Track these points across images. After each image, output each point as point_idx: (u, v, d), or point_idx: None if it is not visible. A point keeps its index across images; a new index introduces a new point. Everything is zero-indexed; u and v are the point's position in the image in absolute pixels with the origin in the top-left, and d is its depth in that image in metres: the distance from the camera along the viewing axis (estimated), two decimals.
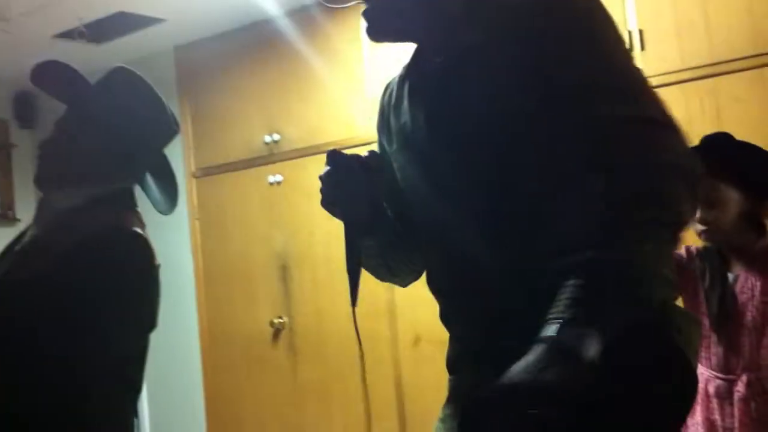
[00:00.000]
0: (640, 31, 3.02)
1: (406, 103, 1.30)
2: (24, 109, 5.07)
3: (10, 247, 1.74)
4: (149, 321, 1.66)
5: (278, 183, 4.08)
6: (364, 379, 1.43)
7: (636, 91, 1.09)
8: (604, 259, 0.96)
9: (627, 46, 1.15)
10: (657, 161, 1.03)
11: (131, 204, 1.72)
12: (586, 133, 1.06)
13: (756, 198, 2.07)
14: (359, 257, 1.31)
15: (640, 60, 3.00)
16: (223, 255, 4.37)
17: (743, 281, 2.06)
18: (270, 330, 4.10)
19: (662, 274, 1.01)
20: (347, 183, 1.26)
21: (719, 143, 2.10)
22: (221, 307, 4.39)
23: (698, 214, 2.03)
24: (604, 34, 1.12)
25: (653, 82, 2.93)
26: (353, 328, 1.31)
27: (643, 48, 3.02)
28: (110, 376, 1.58)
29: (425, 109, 1.25)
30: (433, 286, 1.34)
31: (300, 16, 3.94)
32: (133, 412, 1.68)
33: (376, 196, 1.31)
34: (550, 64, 1.09)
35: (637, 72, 1.12)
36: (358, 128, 3.70)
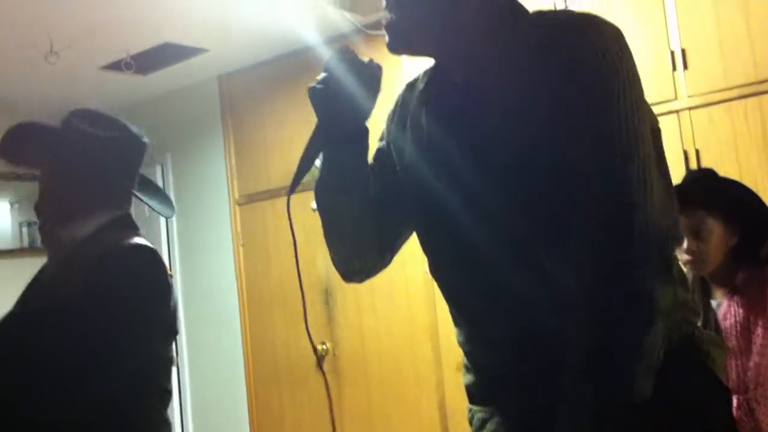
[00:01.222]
0: (683, 51, 2.99)
1: (429, 120, 1.29)
2: None
3: (32, 282, 1.85)
4: (170, 328, 1.74)
5: None
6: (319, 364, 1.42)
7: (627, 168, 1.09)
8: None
9: (644, 111, 1.15)
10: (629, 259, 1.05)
11: (134, 227, 1.81)
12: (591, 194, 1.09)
13: (738, 231, 2.18)
14: (312, 159, 1.33)
15: (683, 79, 2.98)
16: (266, 280, 4.40)
17: (726, 308, 2.17)
18: (313, 355, 4.12)
19: (677, 319, 1.06)
20: (347, 86, 1.27)
21: (705, 179, 2.26)
22: (265, 331, 4.41)
23: (685, 245, 2.15)
24: (622, 102, 1.10)
25: (697, 101, 2.94)
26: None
27: (686, 67, 2.99)
28: (138, 383, 1.65)
29: (460, 135, 1.24)
30: (461, 310, 1.31)
31: (339, 43, 3.97)
32: (164, 417, 1.75)
33: (365, 115, 1.31)
34: (569, 114, 1.10)
35: (644, 144, 1.11)
36: None
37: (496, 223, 1.19)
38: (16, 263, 4.94)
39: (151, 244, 1.74)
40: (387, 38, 1.25)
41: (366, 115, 1.31)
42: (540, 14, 1.23)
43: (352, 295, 3.95)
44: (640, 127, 1.10)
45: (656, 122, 1.20)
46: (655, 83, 2.96)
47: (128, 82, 4.38)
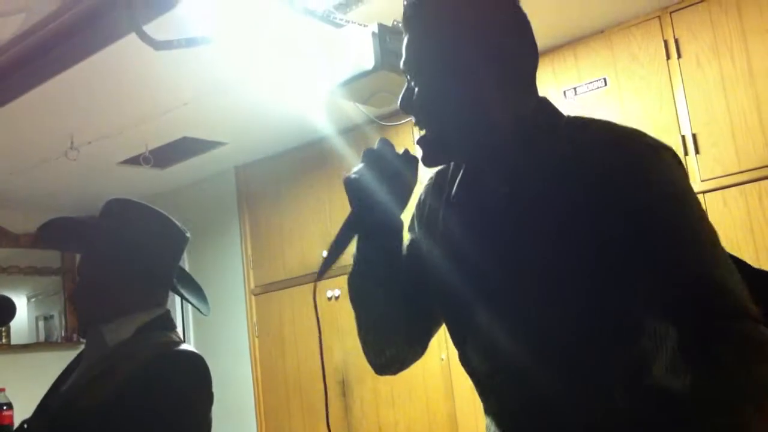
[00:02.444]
0: (694, 135, 3.02)
1: (460, 223, 1.28)
2: None
3: (67, 372, 1.78)
4: None
5: (336, 298, 4.09)
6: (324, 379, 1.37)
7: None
8: None
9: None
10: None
11: (172, 325, 1.76)
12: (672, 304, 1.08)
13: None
14: (343, 248, 1.31)
15: (696, 164, 3.00)
16: (282, 371, 4.35)
17: None
18: None
19: None
20: (383, 178, 1.25)
21: None
22: (282, 422, 4.33)
23: None
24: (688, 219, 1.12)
25: (711, 185, 2.95)
26: None
27: (698, 152, 3.01)
28: None
29: (493, 240, 1.22)
30: (503, 420, 1.28)
31: (353, 133, 4.05)
32: None
33: (400, 207, 1.29)
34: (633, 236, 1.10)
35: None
36: None
37: (534, 327, 1.17)
38: (33, 357, 4.93)
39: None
40: (421, 153, 1.24)
41: (402, 207, 1.30)
42: (579, 124, 1.22)
43: (370, 385, 3.90)
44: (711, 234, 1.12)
45: None
46: None
47: (146, 175, 4.45)
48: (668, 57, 3.11)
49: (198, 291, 1.85)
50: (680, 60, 3.08)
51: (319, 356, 4.50)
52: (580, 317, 1.13)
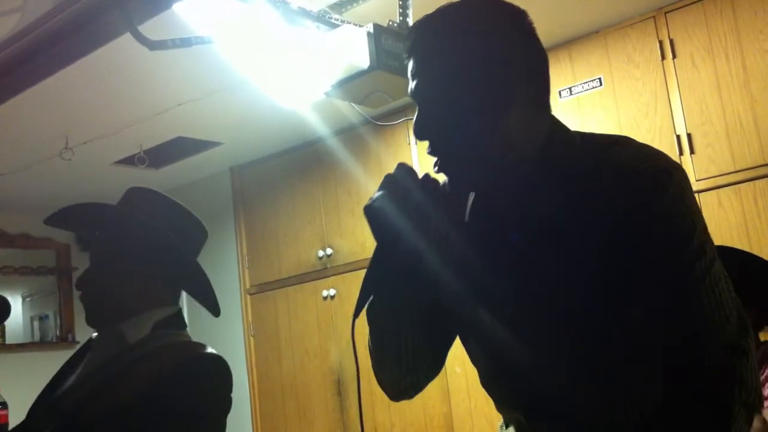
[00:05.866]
0: (689, 135, 3.03)
1: (477, 246, 1.26)
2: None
3: (65, 372, 1.71)
4: None
5: (332, 297, 4.09)
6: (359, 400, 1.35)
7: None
8: None
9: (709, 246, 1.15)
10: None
11: (184, 324, 1.69)
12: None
13: (756, 312, 2.14)
14: (378, 280, 1.26)
15: (691, 164, 3.00)
16: (277, 370, 4.35)
17: None
18: None
19: None
20: (404, 204, 1.22)
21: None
22: (277, 423, 4.33)
23: None
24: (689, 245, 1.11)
25: (706, 185, 2.95)
26: None
27: (693, 152, 3.02)
28: None
29: (510, 261, 1.21)
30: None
31: (348, 134, 4.06)
32: None
33: (420, 242, 1.25)
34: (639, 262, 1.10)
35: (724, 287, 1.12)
36: None
37: (545, 343, 1.17)
38: (28, 357, 4.93)
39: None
40: (447, 179, 1.22)
41: (425, 238, 1.26)
42: (596, 144, 1.20)
43: (365, 386, 3.88)
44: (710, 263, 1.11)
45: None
46: None
47: (141, 175, 4.44)
48: (663, 57, 3.11)
49: (208, 290, 1.73)
50: (675, 60, 3.09)
51: (318, 356, 4.49)
52: (594, 342, 1.13)
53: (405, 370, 1.34)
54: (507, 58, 1.15)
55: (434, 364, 1.38)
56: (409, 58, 1.20)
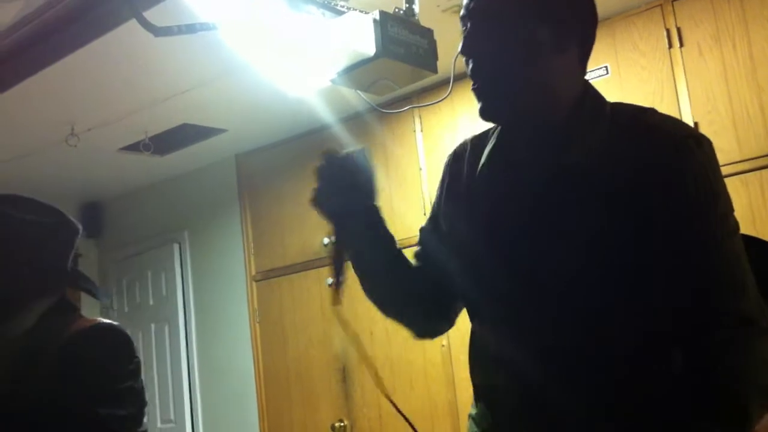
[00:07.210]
0: (696, 124, 3.01)
1: (496, 196, 1.27)
2: (90, 219, 5.25)
3: None
4: (144, 402, 1.72)
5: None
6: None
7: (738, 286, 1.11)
8: None
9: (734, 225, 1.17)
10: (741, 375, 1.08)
11: (76, 308, 1.78)
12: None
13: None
14: (345, 252, 1.39)
15: None
16: (283, 357, 4.37)
17: None
18: None
19: None
20: (340, 177, 1.34)
21: None
22: (282, 409, 4.35)
23: None
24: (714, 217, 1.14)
25: None
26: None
27: None
28: None
29: (529, 211, 1.22)
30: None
31: (354, 122, 4.05)
32: None
33: (368, 189, 1.38)
34: (661, 231, 1.12)
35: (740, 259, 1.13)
36: (413, 228, 3.72)
37: (565, 297, 1.17)
38: None
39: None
40: (479, 105, 1.24)
41: (371, 197, 1.38)
42: (626, 114, 1.23)
43: (369, 373, 3.90)
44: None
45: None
46: None
47: (146, 162, 4.45)
48: (670, 46, 3.10)
49: (91, 283, 1.87)
50: (682, 49, 3.07)
51: (322, 343, 4.49)
52: (610, 284, 1.14)
53: (410, 323, 1.43)
54: (569, 10, 1.24)
55: (436, 318, 1.43)
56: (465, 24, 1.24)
